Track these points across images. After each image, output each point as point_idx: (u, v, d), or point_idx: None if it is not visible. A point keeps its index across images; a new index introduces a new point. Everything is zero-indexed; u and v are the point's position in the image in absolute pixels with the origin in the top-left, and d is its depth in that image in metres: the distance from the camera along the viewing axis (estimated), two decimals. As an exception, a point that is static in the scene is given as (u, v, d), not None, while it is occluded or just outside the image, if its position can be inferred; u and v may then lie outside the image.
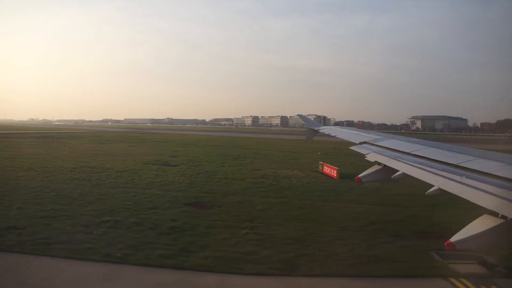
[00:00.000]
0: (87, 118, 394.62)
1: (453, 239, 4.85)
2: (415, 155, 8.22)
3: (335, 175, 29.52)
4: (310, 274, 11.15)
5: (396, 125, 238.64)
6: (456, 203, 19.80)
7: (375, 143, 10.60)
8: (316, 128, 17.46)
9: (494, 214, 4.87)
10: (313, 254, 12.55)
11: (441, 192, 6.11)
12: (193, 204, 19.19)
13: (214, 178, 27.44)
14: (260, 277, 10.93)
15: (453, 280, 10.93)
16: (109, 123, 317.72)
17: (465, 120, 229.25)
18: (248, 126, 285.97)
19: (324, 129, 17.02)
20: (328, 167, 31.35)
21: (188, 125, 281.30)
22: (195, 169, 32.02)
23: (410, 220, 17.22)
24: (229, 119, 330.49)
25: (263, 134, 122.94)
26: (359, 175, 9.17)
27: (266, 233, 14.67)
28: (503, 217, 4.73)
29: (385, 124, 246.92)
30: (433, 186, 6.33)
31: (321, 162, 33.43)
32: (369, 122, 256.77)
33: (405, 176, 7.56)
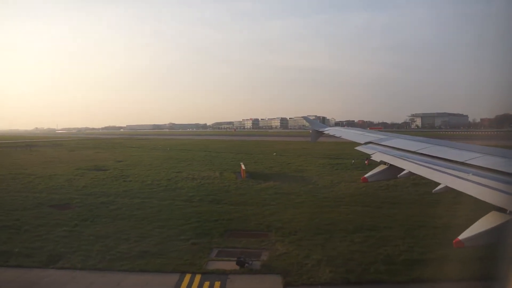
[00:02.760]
0: (90, 125, 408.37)
1: (461, 236, 4.76)
2: (421, 154, 8.19)
3: (242, 175, 30.76)
4: (69, 267, 12.24)
5: (395, 123, 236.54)
6: (321, 203, 20.93)
7: (380, 143, 10.66)
8: (321, 130, 17.94)
9: (502, 210, 4.86)
10: (90, 250, 13.64)
11: (448, 190, 6.06)
12: (58, 206, 20.59)
13: (117, 181, 28.89)
14: (16, 269, 12.15)
15: (187, 275, 11.70)
16: (121, 130, 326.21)
17: (466, 116, 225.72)
18: (248, 128, 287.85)
19: (329, 130, 17.38)
20: (242, 168, 32.58)
21: (188, 129, 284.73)
22: (116, 174, 33.49)
23: (239, 220, 17.77)
24: (230, 123, 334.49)
25: (255, 137, 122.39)
26: (366, 175, 8.83)
27: (80, 231, 15.91)
28: (511, 213, 4.74)
29: (385, 123, 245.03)
30: (439, 184, 6.30)
31: (241, 163, 34.68)
32: (369, 121, 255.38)
33: (411, 175, 7.57)
